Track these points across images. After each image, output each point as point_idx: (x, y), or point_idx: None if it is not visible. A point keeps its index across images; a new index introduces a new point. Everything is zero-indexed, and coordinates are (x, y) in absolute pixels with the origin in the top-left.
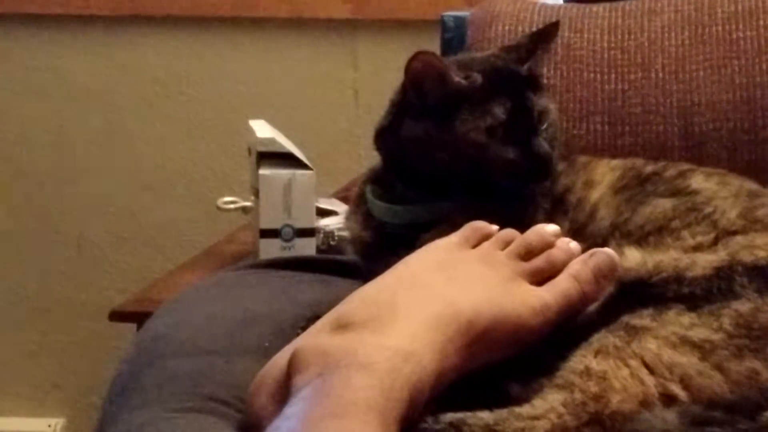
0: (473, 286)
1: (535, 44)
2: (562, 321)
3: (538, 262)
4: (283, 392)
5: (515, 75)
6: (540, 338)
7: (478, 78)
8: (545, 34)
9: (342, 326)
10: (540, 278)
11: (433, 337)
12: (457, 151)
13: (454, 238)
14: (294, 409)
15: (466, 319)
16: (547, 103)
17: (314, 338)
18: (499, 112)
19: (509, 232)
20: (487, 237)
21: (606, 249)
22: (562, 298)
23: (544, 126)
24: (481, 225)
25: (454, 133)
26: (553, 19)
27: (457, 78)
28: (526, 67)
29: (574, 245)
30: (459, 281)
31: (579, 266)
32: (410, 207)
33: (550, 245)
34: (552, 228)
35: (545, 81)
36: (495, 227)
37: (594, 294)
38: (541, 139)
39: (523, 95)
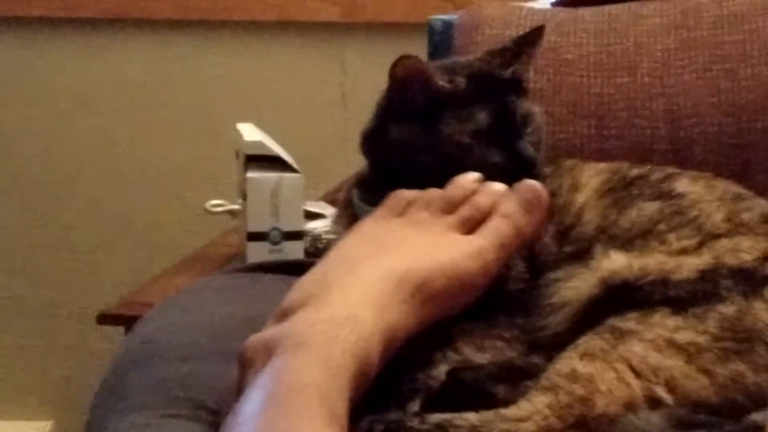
0: (403, 249)
1: (520, 48)
2: (502, 261)
3: (464, 210)
4: (242, 390)
5: (499, 79)
6: (486, 283)
7: (462, 82)
8: (531, 38)
9: (283, 314)
10: (471, 226)
11: (367, 296)
12: (442, 154)
13: (377, 212)
14: (243, 404)
15: (399, 275)
16: (531, 107)
17: (259, 333)
18: (483, 116)
19: (430, 192)
20: (410, 204)
21: (529, 180)
22: (494, 237)
23: (529, 130)
24: (402, 193)
25: (438, 137)
26: (540, 23)
27: (441, 82)
28: (510, 71)
29: (497, 185)
30: (388, 248)
31: (506, 204)
32: None
33: (473, 193)
34: (472, 175)
35: (532, 85)
36: (416, 192)
37: (528, 227)
38: (526, 143)
39: (506, 99)
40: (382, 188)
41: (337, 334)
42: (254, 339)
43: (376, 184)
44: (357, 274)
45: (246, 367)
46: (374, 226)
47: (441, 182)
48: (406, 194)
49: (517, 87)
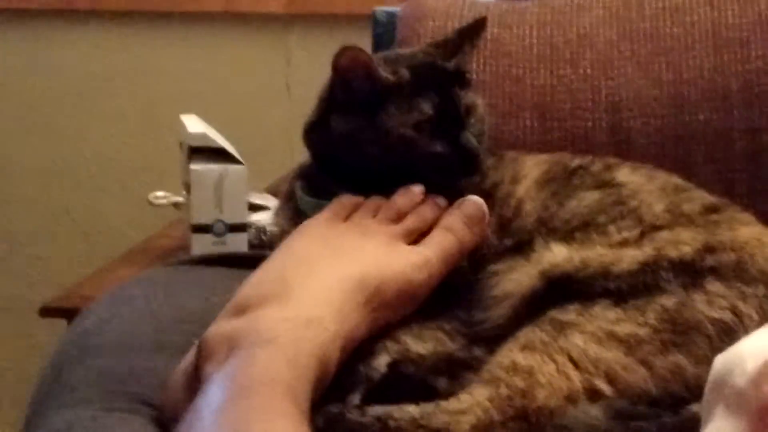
0: (356, 254)
1: (462, 40)
2: (445, 272)
3: (410, 221)
4: (195, 384)
5: (442, 71)
6: (429, 291)
7: (405, 73)
8: (473, 30)
9: (241, 310)
10: (415, 236)
11: (330, 301)
12: (385, 146)
13: (324, 214)
14: (203, 397)
15: (356, 281)
16: (474, 98)
17: (217, 326)
18: (427, 107)
19: (375, 200)
20: (355, 209)
21: (472, 196)
22: (440, 250)
23: (472, 121)
24: (347, 198)
25: (381, 129)
26: (483, 15)
27: (385, 74)
28: (453, 62)
29: (440, 200)
30: (341, 251)
31: (450, 218)
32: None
33: (418, 204)
34: (417, 187)
35: (474, 77)
36: (360, 198)
37: (469, 242)
38: (469, 134)
39: (450, 91)
40: (325, 180)
41: (303, 334)
42: (214, 332)
43: (319, 175)
44: (317, 276)
45: (204, 359)
46: (323, 228)
47: (384, 174)
48: (350, 200)
49: (461, 78)
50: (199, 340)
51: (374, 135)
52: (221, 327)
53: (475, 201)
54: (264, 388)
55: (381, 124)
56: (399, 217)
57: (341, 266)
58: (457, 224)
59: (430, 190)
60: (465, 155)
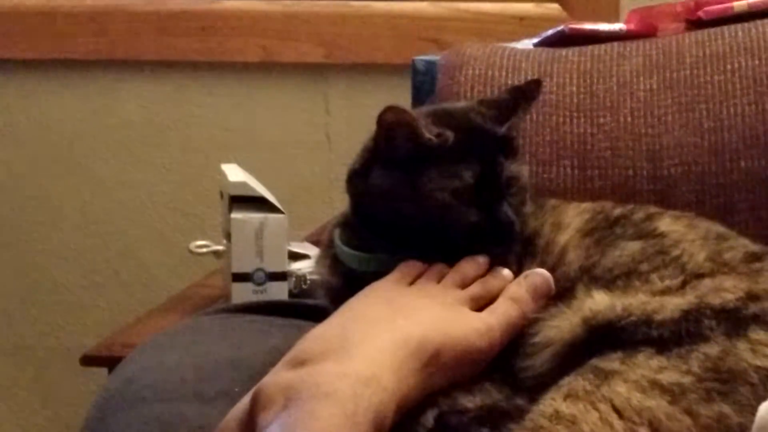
0: (418, 316)
1: (516, 103)
2: (506, 341)
3: (475, 288)
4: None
5: (489, 136)
6: (489, 358)
7: (450, 137)
8: (528, 93)
9: (300, 363)
10: (479, 304)
11: (388, 360)
12: (422, 207)
13: (391, 277)
14: None
15: (416, 343)
16: (518, 168)
17: (274, 376)
18: (467, 175)
19: (441, 266)
20: (420, 274)
21: (539, 270)
22: (503, 319)
23: (512, 191)
24: (414, 263)
25: (420, 190)
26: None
27: (429, 135)
28: (504, 128)
29: (506, 272)
30: (403, 312)
31: (515, 288)
32: (376, 255)
33: (482, 273)
34: (483, 258)
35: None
36: (426, 264)
37: (532, 312)
38: (507, 206)
39: (494, 159)
40: (363, 231)
41: (362, 392)
42: (271, 382)
43: (357, 226)
44: (377, 335)
45: (260, 408)
46: (387, 290)
47: (418, 233)
48: (417, 265)
49: (508, 146)
50: (255, 388)
51: (412, 195)
52: (279, 377)
53: (542, 273)
54: None
55: (420, 185)
56: (464, 284)
57: (402, 327)
58: (523, 296)
59: (463, 254)
60: (500, 227)
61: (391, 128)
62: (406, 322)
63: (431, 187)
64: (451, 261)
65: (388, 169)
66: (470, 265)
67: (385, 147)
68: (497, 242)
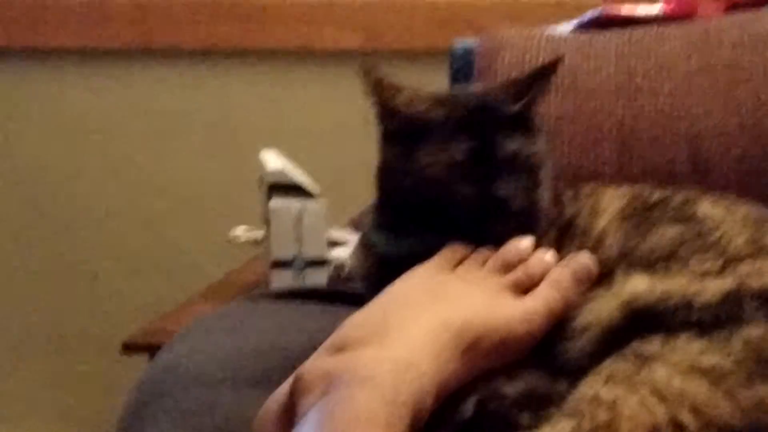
0: (459, 301)
1: (532, 82)
2: (548, 327)
3: (518, 273)
4: (289, 417)
5: (492, 114)
6: (531, 345)
7: (440, 113)
8: (544, 69)
9: (339, 349)
10: (521, 289)
11: (428, 345)
12: (417, 181)
13: (433, 262)
14: (300, 429)
15: (456, 328)
16: (529, 146)
17: (315, 361)
18: (459, 151)
19: (485, 250)
20: (464, 258)
21: (582, 254)
22: (545, 304)
23: (514, 171)
24: (458, 247)
25: (414, 164)
26: (560, 49)
27: (417, 109)
28: (518, 105)
29: (549, 256)
30: (445, 298)
31: (558, 274)
32: (400, 237)
33: (526, 258)
34: (526, 241)
35: (553, 110)
36: (470, 248)
37: (574, 299)
38: (504, 184)
39: (493, 137)
40: (385, 213)
41: (402, 377)
42: (312, 367)
43: (381, 208)
44: (417, 321)
45: (301, 393)
46: (429, 276)
47: (420, 210)
48: (460, 249)
49: (521, 123)
50: (296, 373)
51: (409, 169)
52: (319, 362)
53: (585, 258)
54: (361, 427)
55: (414, 160)
56: (507, 269)
57: (443, 313)
58: (567, 281)
59: (467, 233)
60: (493, 204)
61: (374, 99)
62: (447, 308)
63: (425, 162)
64: (474, 241)
65: (390, 145)
66: (514, 249)
67: (381, 121)
68: (492, 220)
